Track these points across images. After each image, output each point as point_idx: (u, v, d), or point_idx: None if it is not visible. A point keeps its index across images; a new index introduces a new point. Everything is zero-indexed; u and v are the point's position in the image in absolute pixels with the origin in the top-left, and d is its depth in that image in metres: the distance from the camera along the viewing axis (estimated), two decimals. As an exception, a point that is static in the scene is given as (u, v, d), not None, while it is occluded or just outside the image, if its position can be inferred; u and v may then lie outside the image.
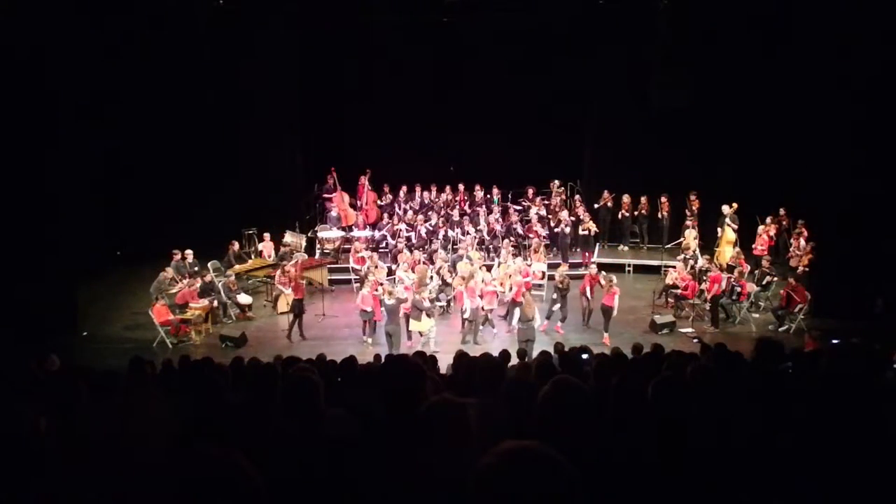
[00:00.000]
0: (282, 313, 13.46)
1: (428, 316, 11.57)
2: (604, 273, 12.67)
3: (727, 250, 14.49)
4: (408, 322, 11.71)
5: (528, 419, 2.77)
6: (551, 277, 14.05)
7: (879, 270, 11.65)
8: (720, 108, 14.96)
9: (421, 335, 11.60)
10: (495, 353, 7.03)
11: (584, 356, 7.08)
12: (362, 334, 12.15)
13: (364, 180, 16.78)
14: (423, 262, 13.90)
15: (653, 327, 12.39)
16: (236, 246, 14.78)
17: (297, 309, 12.23)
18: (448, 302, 13.53)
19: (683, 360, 5.49)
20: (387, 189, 17.20)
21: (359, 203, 16.81)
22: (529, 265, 13.89)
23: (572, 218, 15.73)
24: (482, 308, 12.09)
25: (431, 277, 13.28)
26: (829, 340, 9.13)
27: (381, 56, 16.57)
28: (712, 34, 14.53)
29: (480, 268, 13.32)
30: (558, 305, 12.43)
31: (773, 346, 4.43)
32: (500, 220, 16.14)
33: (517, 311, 11.49)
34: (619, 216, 16.46)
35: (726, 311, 12.75)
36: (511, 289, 12.21)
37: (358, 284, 14.16)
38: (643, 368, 5.52)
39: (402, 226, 15.75)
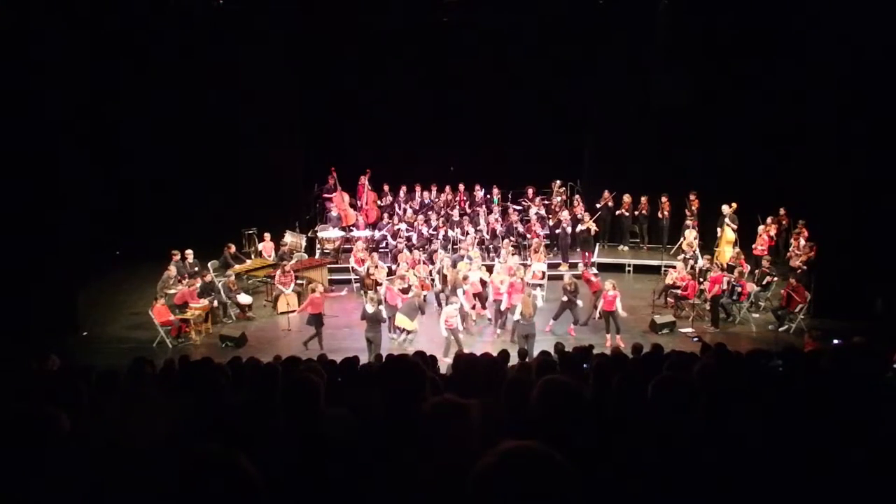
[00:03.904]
0: (282, 313, 13.46)
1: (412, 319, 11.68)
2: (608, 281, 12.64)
3: (727, 250, 14.49)
4: (394, 317, 11.78)
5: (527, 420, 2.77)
6: (552, 277, 14.07)
7: (879, 270, 11.64)
8: (720, 108, 14.95)
9: (406, 332, 11.57)
10: (496, 354, 7.04)
11: (584, 366, 7.06)
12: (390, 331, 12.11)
13: (364, 180, 16.79)
14: (423, 262, 13.91)
15: (653, 327, 12.38)
16: (233, 248, 14.77)
17: (316, 322, 11.86)
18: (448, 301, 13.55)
19: (683, 360, 5.48)
20: (387, 189, 17.21)
21: (359, 203, 16.82)
22: (529, 265, 13.90)
23: (571, 217, 15.74)
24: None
25: (432, 277, 13.32)
26: (829, 340, 9.12)
27: (381, 56, 16.57)
28: (712, 34, 14.53)
29: (480, 267, 13.33)
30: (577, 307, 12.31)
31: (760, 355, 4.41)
32: (500, 220, 16.14)
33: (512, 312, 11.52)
34: (617, 214, 16.45)
35: (726, 311, 12.75)
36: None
37: (357, 284, 14.18)
38: (643, 368, 5.51)
39: (403, 226, 15.76)
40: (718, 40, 14.59)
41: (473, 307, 12.76)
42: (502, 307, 12.19)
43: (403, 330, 11.69)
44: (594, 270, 14.56)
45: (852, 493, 2.53)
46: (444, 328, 11.28)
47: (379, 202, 17.09)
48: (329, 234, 16.01)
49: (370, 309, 11.12)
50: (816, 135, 12.82)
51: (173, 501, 1.61)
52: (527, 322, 10.89)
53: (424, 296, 12.65)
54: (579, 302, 12.14)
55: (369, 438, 2.77)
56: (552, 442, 1.55)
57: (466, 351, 9.38)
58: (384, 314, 11.46)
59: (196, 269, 13.69)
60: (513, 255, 13.99)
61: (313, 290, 12.07)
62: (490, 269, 13.66)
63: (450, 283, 12.92)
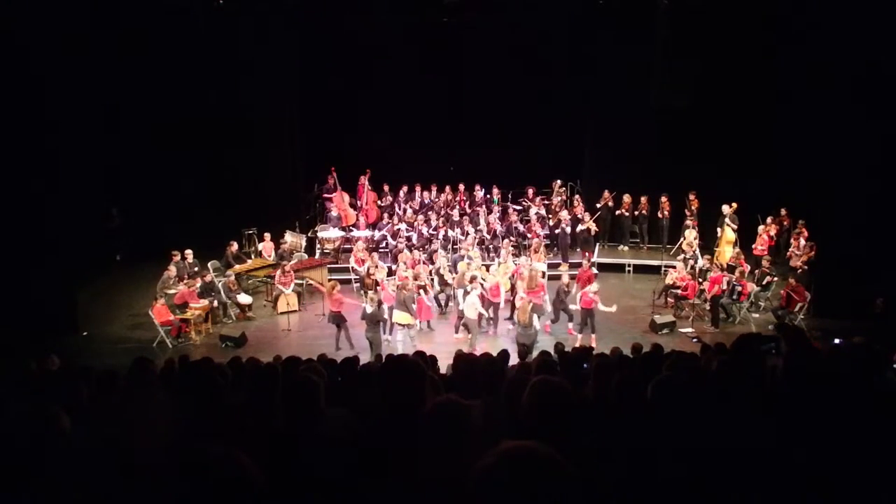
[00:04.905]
0: (282, 313, 13.46)
1: (412, 315, 11.69)
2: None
3: (727, 250, 14.50)
4: (391, 314, 11.77)
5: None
6: (552, 277, 14.06)
7: (879, 270, 11.65)
8: (720, 108, 14.96)
9: (404, 327, 11.60)
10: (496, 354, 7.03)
11: (584, 366, 7.05)
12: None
13: (364, 180, 16.79)
14: (423, 262, 13.90)
15: (653, 327, 12.38)
16: (235, 247, 14.79)
17: (337, 321, 11.82)
18: (447, 301, 13.58)
19: (683, 360, 5.48)
20: (387, 189, 17.20)
21: (359, 203, 16.82)
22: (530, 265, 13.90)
23: (570, 217, 15.73)
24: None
25: (432, 277, 13.33)
26: (830, 340, 9.11)
27: (381, 56, 16.57)
28: (712, 34, 14.52)
29: (480, 267, 13.31)
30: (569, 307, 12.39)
31: (751, 339, 4.39)
32: (500, 220, 16.14)
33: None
34: (617, 214, 16.46)
35: (726, 311, 12.75)
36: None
37: (358, 284, 14.18)
38: (643, 368, 5.51)
39: (403, 226, 15.76)
40: (719, 40, 14.58)
41: None
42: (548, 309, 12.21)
43: (404, 326, 11.68)
44: (594, 270, 14.54)
45: (853, 493, 2.53)
46: (480, 309, 11.53)
47: (379, 202, 17.09)
48: (329, 234, 16.01)
49: (370, 309, 11.12)
50: (817, 134, 12.80)
51: (175, 501, 1.61)
52: (523, 331, 10.86)
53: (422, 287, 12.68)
54: (572, 307, 12.14)
55: (369, 438, 2.77)
56: (544, 441, 1.56)
57: (466, 350, 9.37)
58: (384, 314, 11.50)
59: (196, 269, 13.69)
60: (513, 255, 14.00)
61: (333, 288, 12.10)
62: (489, 269, 13.65)
63: (456, 283, 12.98)
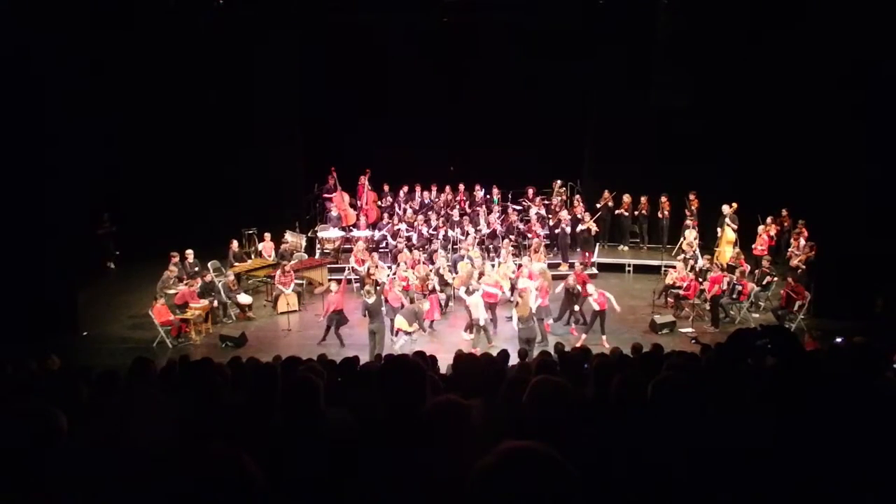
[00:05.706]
0: (282, 313, 13.46)
1: (419, 325, 11.69)
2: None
3: (727, 250, 14.51)
4: (394, 318, 11.75)
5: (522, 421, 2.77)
6: (552, 277, 14.07)
7: (879, 270, 11.64)
8: (720, 108, 14.96)
9: (407, 334, 11.60)
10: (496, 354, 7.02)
11: (585, 366, 7.04)
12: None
13: (364, 180, 16.79)
14: (423, 262, 13.91)
15: (653, 327, 12.38)
16: (235, 245, 14.79)
17: (338, 319, 11.86)
18: (448, 301, 13.58)
19: (683, 360, 5.49)
20: (387, 189, 17.20)
21: (359, 203, 16.82)
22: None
23: (570, 217, 15.74)
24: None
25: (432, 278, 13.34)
26: (829, 340, 9.11)
27: (381, 56, 16.57)
28: (712, 34, 14.53)
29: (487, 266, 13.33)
30: (575, 308, 12.39)
31: (746, 335, 4.36)
32: (500, 220, 16.15)
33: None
34: (617, 214, 16.46)
35: (726, 311, 12.75)
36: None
37: (358, 284, 14.18)
38: (643, 368, 5.51)
39: (403, 226, 15.76)
40: (718, 40, 14.59)
41: None
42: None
43: (404, 332, 11.68)
44: (594, 270, 14.54)
45: (853, 493, 2.53)
46: (483, 314, 11.46)
47: (379, 202, 17.09)
48: (329, 234, 16.01)
49: (370, 300, 11.10)
50: (817, 134, 12.81)
51: (176, 501, 1.61)
52: (524, 325, 10.86)
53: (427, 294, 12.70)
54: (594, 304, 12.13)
55: (369, 438, 2.77)
56: (544, 440, 1.56)
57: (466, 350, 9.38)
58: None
59: (196, 269, 13.70)
60: (513, 255, 14.01)
61: (330, 290, 12.10)
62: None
63: (458, 283, 12.96)
